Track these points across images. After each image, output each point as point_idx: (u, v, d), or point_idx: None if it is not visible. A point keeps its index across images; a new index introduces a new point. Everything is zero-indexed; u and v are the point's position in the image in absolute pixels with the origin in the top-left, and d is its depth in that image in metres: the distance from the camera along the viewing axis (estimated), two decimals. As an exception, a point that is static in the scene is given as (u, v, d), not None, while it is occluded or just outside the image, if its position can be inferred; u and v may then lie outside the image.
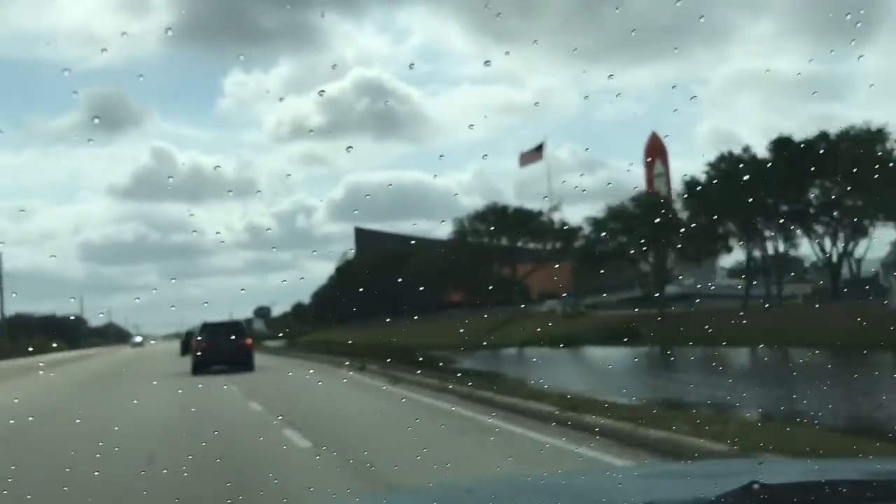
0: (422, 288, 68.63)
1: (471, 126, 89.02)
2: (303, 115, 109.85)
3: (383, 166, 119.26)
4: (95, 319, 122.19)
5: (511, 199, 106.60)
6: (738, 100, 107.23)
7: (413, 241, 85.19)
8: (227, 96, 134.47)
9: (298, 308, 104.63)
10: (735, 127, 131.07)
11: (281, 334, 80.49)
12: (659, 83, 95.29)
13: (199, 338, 27.52)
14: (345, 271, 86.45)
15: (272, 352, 43.19)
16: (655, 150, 72.04)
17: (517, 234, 71.79)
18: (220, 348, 26.95)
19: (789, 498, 1.67)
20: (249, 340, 27.90)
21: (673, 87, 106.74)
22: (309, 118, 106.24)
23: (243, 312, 79.37)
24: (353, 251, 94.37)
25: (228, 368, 26.03)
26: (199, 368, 26.18)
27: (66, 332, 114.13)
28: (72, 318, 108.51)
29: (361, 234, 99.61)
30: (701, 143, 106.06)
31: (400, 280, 67.20)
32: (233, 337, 27.55)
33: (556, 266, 70.00)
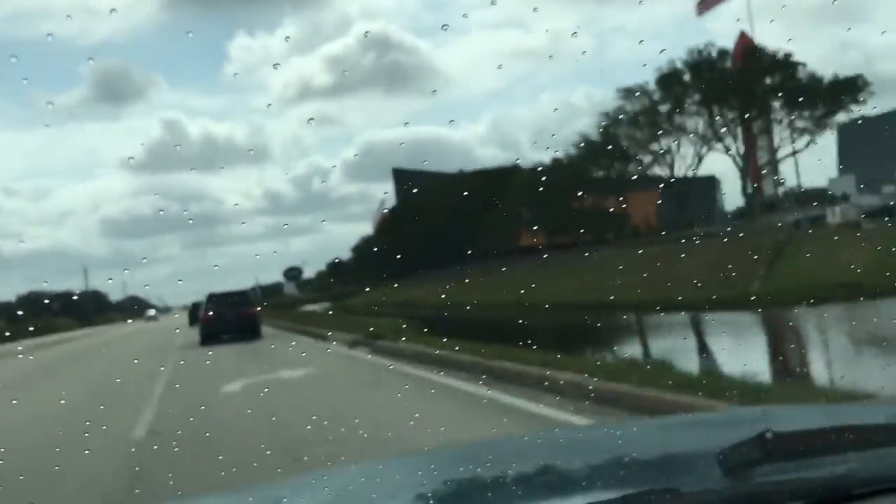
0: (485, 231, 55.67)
1: (500, 67, 77.89)
2: (310, 76, 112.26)
3: (396, 122, 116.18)
4: (116, 294, 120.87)
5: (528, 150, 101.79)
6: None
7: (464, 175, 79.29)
8: (233, 61, 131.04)
9: (337, 266, 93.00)
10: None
11: (309, 298, 74.99)
12: (674, 16, 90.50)
13: (206, 308, 28.00)
14: (393, 218, 74.41)
15: (319, 323, 30.69)
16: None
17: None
18: (226, 318, 27.51)
19: (803, 445, 1.66)
20: (256, 308, 29.03)
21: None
22: (317, 78, 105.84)
23: (271, 277, 76.05)
24: (388, 196, 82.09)
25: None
26: (207, 339, 26.50)
27: (83, 309, 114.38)
28: (78, 293, 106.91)
29: (402, 177, 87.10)
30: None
31: (466, 219, 54.48)
32: (238, 306, 28.54)
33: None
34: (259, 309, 29.36)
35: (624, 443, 2.27)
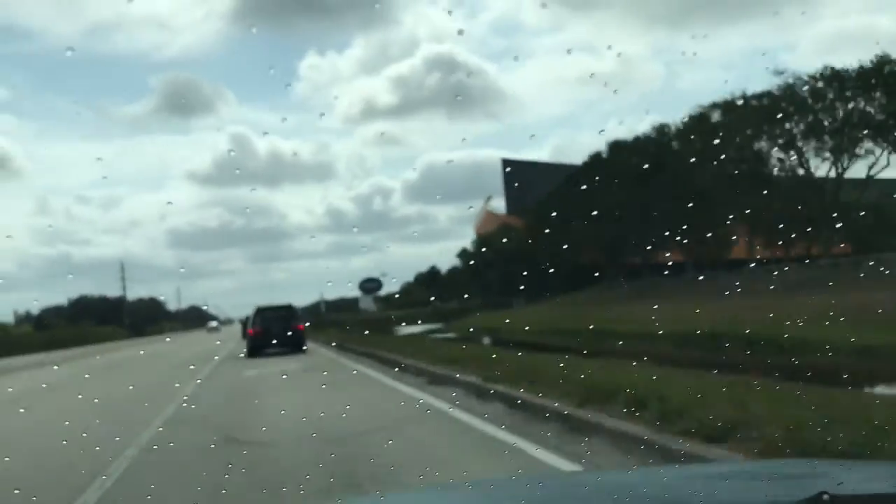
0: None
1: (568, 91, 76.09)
2: (376, 96, 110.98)
3: (458, 145, 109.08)
4: (179, 303, 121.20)
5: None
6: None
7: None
8: (303, 79, 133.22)
9: (431, 278, 77.53)
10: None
11: (394, 316, 59.71)
12: (745, 48, 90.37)
13: (253, 322, 29.38)
14: (505, 222, 58.98)
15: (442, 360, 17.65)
16: None
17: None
18: (272, 331, 28.68)
19: None
20: (301, 324, 30.10)
21: (763, 54, 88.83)
22: (382, 98, 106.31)
23: (337, 292, 74.11)
24: (493, 196, 67.51)
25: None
26: (253, 351, 28.00)
27: (140, 316, 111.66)
28: (133, 300, 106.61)
29: (514, 170, 71.35)
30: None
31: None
32: (285, 321, 29.32)
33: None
34: (303, 325, 30.46)
35: (670, 490, 2.18)
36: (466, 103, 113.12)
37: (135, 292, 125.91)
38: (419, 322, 54.46)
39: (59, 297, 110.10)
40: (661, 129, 49.39)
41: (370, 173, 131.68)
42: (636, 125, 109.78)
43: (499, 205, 78.41)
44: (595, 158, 52.30)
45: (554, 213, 43.39)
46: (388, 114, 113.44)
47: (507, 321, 38.45)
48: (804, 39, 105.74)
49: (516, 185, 73.56)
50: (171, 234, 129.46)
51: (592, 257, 46.43)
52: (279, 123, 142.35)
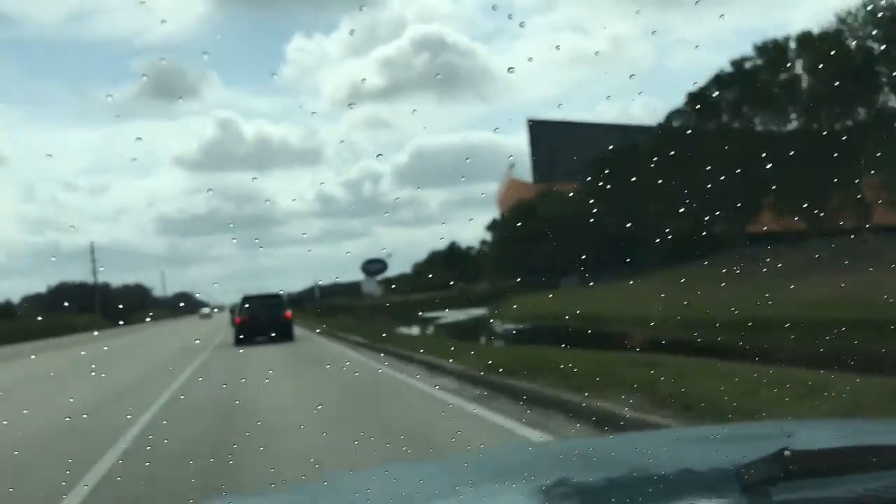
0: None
1: (510, 69, 76.28)
2: (365, 78, 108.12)
3: (449, 127, 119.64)
4: (170, 289, 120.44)
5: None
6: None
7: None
8: (290, 63, 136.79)
9: (447, 257, 70.01)
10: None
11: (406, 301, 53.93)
12: (737, 27, 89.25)
13: (240, 310, 29.60)
14: (536, 193, 50.73)
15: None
16: None
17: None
18: (260, 320, 28.94)
19: (823, 464, 1.66)
20: (289, 312, 30.51)
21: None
22: (371, 81, 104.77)
23: (335, 276, 71.38)
24: (514, 161, 60.11)
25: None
26: (241, 340, 28.28)
27: (127, 303, 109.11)
28: (119, 286, 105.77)
29: (541, 130, 63.18)
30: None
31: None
32: (272, 310, 29.59)
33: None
34: (290, 313, 30.79)
35: (640, 455, 2.28)
36: (457, 85, 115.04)
37: (122, 279, 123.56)
38: (446, 309, 46.06)
39: (43, 285, 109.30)
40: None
41: (359, 157, 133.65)
42: (627, 105, 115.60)
43: (521, 172, 69.74)
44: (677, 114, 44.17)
45: (627, 176, 34.85)
46: (376, 96, 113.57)
47: (581, 308, 30.02)
48: (795, 19, 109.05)
49: (544, 147, 65.26)
50: (160, 221, 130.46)
51: (678, 226, 37.96)
52: (266, 107, 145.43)
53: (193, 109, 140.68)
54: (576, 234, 39.51)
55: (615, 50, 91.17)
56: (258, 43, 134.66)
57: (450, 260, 74.94)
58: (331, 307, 51.59)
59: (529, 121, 69.01)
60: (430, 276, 71.10)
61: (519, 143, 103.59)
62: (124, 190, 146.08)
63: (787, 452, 1.57)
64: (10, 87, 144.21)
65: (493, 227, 69.69)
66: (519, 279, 50.49)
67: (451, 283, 66.20)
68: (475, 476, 2.17)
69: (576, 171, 54.29)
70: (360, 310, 40.90)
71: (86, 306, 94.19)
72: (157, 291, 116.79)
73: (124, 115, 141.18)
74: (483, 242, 74.86)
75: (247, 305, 29.55)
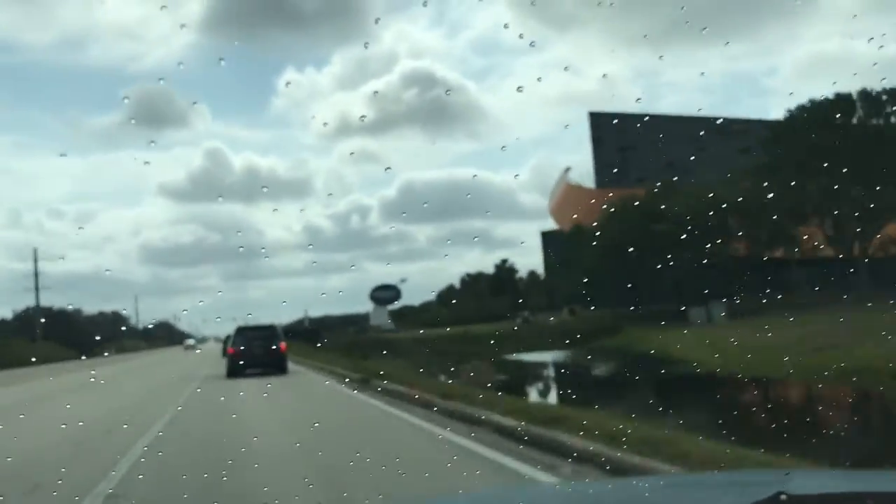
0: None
1: (519, 88, 74.08)
2: (355, 113, 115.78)
3: (439, 164, 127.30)
4: (151, 319, 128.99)
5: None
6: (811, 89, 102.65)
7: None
8: (281, 95, 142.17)
9: (496, 282, 60.19)
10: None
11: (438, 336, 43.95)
12: (725, 71, 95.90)
13: (233, 341, 29.63)
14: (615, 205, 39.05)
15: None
16: None
17: None
18: (253, 352, 28.74)
19: None
20: (283, 344, 29.82)
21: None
22: (361, 115, 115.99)
23: (322, 310, 76.58)
24: (568, 171, 50.07)
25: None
26: (233, 372, 28.08)
27: (96, 332, 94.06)
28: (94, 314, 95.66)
29: (602, 124, 52.58)
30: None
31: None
32: (266, 341, 29.53)
33: None
34: (285, 345, 30.10)
35: (638, 500, 2.31)
36: (446, 121, 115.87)
37: (102, 307, 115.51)
38: (530, 350, 34.41)
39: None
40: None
41: (348, 191, 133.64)
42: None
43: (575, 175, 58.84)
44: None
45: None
46: (365, 131, 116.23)
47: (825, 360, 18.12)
48: (784, 64, 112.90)
49: (609, 146, 54.32)
50: (145, 250, 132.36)
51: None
52: (255, 139, 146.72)
53: (182, 139, 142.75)
54: (697, 250, 27.89)
55: (605, 90, 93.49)
56: (249, 75, 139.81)
57: (496, 287, 63.26)
58: (356, 343, 40.19)
59: (591, 114, 58.65)
60: (525, 308, 59.16)
61: (507, 180, 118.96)
62: (110, 218, 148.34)
63: (783, 497, 1.57)
64: None
65: (550, 243, 57.99)
66: (633, 307, 38.37)
67: (511, 313, 54.00)
68: None
69: (653, 172, 43.51)
70: (405, 347, 29.85)
71: (52, 334, 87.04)
72: (136, 320, 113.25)
73: (112, 144, 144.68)
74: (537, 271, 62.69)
75: (241, 336, 29.54)
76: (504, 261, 69.75)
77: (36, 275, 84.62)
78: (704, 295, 34.74)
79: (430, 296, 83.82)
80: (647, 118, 51.75)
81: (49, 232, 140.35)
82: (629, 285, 36.79)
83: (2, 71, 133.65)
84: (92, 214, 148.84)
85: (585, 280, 42.40)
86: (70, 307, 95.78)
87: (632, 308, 38.49)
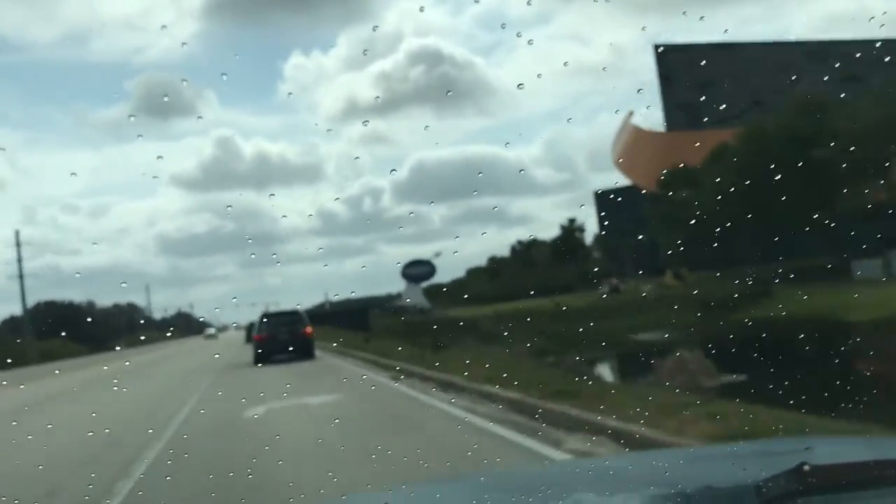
0: None
1: (519, 86, 79.51)
2: (363, 94, 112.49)
3: (448, 141, 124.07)
4: (171, 310, 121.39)
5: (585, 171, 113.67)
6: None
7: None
8: (287, 80, 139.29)
9: (564, 245, 56.23)
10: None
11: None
12: (738, 34, 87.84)
13: (259, 328, 30.27)
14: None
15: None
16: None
17: None
18: (279, 338, 29.23)
19: (841, 478, 1.69)
20: (309, 329, 30.40)
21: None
22: (369, 96, 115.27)
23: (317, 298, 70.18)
24: (632, 114, 42.19)
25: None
26: (260, 358, 28.53)
27: (111, 325, 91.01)
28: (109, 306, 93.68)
29: (672, 58, 45.77)
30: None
31: None
32: (292, 326, 30.05)
33: None
34: (311, 329, 30.76)
35: (659, 473, 2.35)
36: (456, 99, 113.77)
37: (119, 300, 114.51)
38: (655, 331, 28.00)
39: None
40: None
41: (360, 174, 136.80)
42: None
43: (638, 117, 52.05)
44: None
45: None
46: (375, 112, 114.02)
47: None
48: (796, 24, 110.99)
49: (680, 83, 47.35)
50: (160, 241, 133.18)
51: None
52: (264, 125, 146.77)
53: (192, 129, 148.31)
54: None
55: (617, 61, 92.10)
56: (255, 61, 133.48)
57: (564, 251, 56.38)
58: (414, 327, 35.04)
59: (657, 47, 51.58)
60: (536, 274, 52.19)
61: (521, 154, 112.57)
62: (124, 211, 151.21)
63: (806, 467, 1.59)
64: (8, 110, 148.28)
65: (608, 203, 50.90)
66: (773, 264, 31.04)
67: (581, 282, 46.87)
68: (494, 495, 2.25)
69: (738, 109, 36.63)
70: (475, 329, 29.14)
71: (67, 328, 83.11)
72: (150, 310, 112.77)
73: (121, 136, 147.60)
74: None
75: (266, 323, 30.02)
76: (572, 220, 63.36)
77: (19, 260, 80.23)
78: (878, 243, 27.50)
79: (458, 272, 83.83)
80: (725, 47, 44.38)
81: (64, 227, 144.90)
82: (774, 238, 29.41)
83: (10, 68, 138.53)
84: (106, 208, 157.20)
85: (686, 237, 35.01)
86: (71, 301, 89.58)
87: (774, 265, 31.21)
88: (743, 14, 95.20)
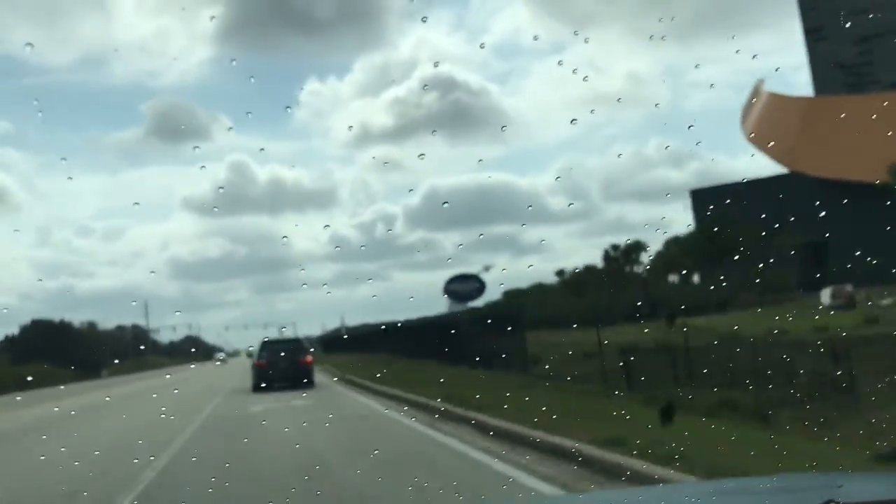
0: None
1: (573, 121, 58.89)
2: (378, 121, 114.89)
3: (462, 169, 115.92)
4: (173, 335, 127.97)
5: (597, 200, 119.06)
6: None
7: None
8: (303, 106, 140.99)
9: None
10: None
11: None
12: (753, 68, 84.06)
13: (259, 355, 30.56)
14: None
15: None
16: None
17: None
18: (279, 366, 29.31)
19: None
20: (309, 358, 30.84)
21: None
22: (384, 123, 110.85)
23: (358, 318, 77.22)
24: (762, 81, 30.74)
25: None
26: (259, 385, 29.13)
27: (113, 347, 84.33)
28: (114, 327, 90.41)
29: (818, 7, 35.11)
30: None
31: None
32: (292, 354, 30.18)
33: None
34: (311, 359, 31.40)
35: None
36: (469, 127, 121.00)
37: (126, 322, 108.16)
38: None
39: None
40: None
41: (373, 199, 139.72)
42: (642, 147, 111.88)
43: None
44: None
45: None
46: (388, 138, 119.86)
47: None
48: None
49: (832, 34, 37.09)
50: (173, 265, 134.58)
51: None
52: (279, 151, 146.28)
53: (206, 153, 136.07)
54: None
55: (632, 89, 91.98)
56: (270, 86, 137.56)
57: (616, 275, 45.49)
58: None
59: (801, 2, 40.80)
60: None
61: (533, 183, 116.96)
62: (138, 234, 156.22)
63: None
64: (25, 133, 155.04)
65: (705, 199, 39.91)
66: None
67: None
68: None
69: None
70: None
71: (57, 351, 72.96)
72: (156, 333, 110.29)
73: (136, 161, 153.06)
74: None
75: (267, 350, 30.49)
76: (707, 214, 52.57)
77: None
78: None
79: (492, 295, 75.86)
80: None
81: (78, 250, 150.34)
82: None
83: (28, 91, 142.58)
84: (120, 231, 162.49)
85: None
86: (62, 319, 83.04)
87: None
88: (757, 46, 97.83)
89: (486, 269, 61.03)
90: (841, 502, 1.51)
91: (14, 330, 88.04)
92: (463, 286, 54.67)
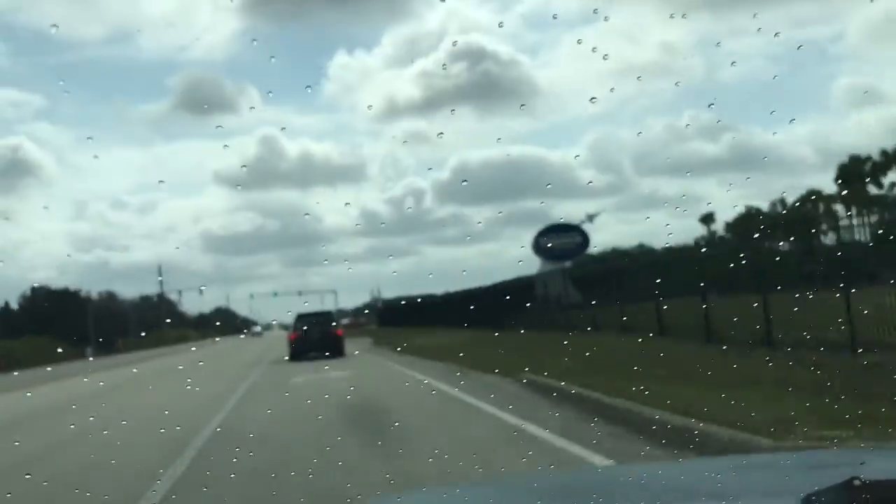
0: None
1: (592, 100, 79.93)
2: (407, 94, 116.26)
3: (492, 142, 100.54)
4: (208, 305, 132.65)
5: (630, 173, 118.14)
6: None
7: None
8: (332, 79, 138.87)
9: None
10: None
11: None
12: (790, 38, 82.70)
13: (294, 328, 33.45)
14: None
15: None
16: None
17: None
18: (312, 336, 31.74)
19: (894, 494, 1.63)
20: (340, 330, 33.89)
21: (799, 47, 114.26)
22: (413, 96, 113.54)
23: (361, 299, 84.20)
24: None
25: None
26: (295, 355, 31.44)
27: (136, 319, 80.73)
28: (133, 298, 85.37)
29: None
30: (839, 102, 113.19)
31: None
32: (323, 326, 32.72)
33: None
34: (342, 330, 34.61)
35: (704, 482, 2.31)
36: (500, 99, 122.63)
37: (151, 293, 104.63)
38: None
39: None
40: None
41: (403, 174, 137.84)
42: (675, 120, 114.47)
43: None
44: None
45: None
46: (416, 111, 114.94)
47: None
48: (851, 26, 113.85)
49: None
50: (206, 239, 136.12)
51: None
52: (308, 124, 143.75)
53: (236, 127, 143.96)
54: None
55: (666, 60, 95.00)
56: (299, 58, 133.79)
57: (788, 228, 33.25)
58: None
59: None
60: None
61: (565, 155, 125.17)
62: (170, 208, 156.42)
63: (856, 481, 1.52)
64: (59, 108, 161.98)
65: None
66: None
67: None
68: (528, 499, 2.26)
69: None
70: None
71: (64, 322, 65.49)
72: (186, 306, 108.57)
73: (166, 134, 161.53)
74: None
75: (300, 322, 32.79)
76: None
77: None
78: None
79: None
80: None
81: (113, 223, 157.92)
82: None
83: (61, 67, 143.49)
84: (153, 204, 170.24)
85: None
86: (67, 287, 75.78)
87: None
88: (797, 13, 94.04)
89: (590, 218, 46.88)
90: (864, 479, 1.45)
91: (13, 299, 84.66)
92: (559, 240, 40.54)
